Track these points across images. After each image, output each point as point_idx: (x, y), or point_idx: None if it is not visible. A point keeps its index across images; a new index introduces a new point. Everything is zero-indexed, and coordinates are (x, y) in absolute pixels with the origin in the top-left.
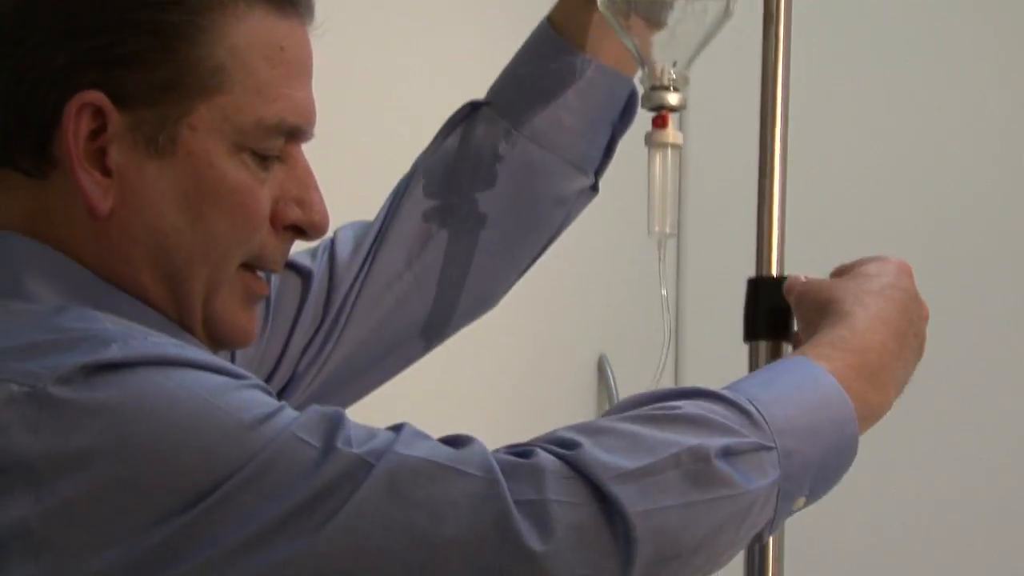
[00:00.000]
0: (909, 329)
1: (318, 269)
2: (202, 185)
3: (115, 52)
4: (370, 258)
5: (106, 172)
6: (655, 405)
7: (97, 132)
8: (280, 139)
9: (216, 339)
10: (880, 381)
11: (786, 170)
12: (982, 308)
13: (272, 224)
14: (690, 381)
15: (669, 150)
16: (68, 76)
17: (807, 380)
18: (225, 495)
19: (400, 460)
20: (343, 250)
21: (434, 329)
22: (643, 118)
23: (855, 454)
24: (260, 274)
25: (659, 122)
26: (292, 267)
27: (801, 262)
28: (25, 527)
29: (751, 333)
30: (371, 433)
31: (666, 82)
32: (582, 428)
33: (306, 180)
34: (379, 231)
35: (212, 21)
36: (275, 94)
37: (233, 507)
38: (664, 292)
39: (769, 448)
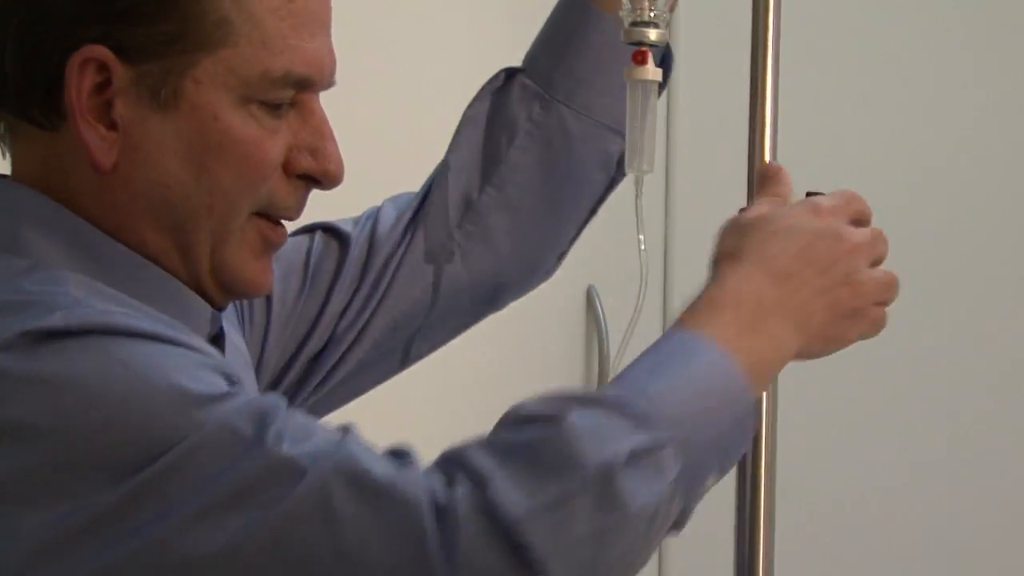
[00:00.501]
0: (804, 268)
1: (358, 234)
2: (207, 138)
3: (119, 6)
4: (412, 229)
5: (111, 126)
6: (546, 422)
7: (102, 86)
8: (289, 90)
9: (227, 289)
10: (765, 328)
11: (777, 108)
12: (967, 282)
13: (285, 172)
14: (676, 311)
15: (649, 86)
16: (72, 30)
17: (692, 357)
18: (149, 478)
19: (337, 470)
20: (386, 219)
21: (483, 298)
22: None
23: (753, 414)
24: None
25: (639, 58)
26: (333, 232)
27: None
28: None
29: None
30: (308, 431)
31: (647, 17)
32: (492, 450)
33: (321, 129)
34: (421, 201)
35: None
36: (282, 46)
37: (155, 492)
38: (640, 236)
39: (665, 446)
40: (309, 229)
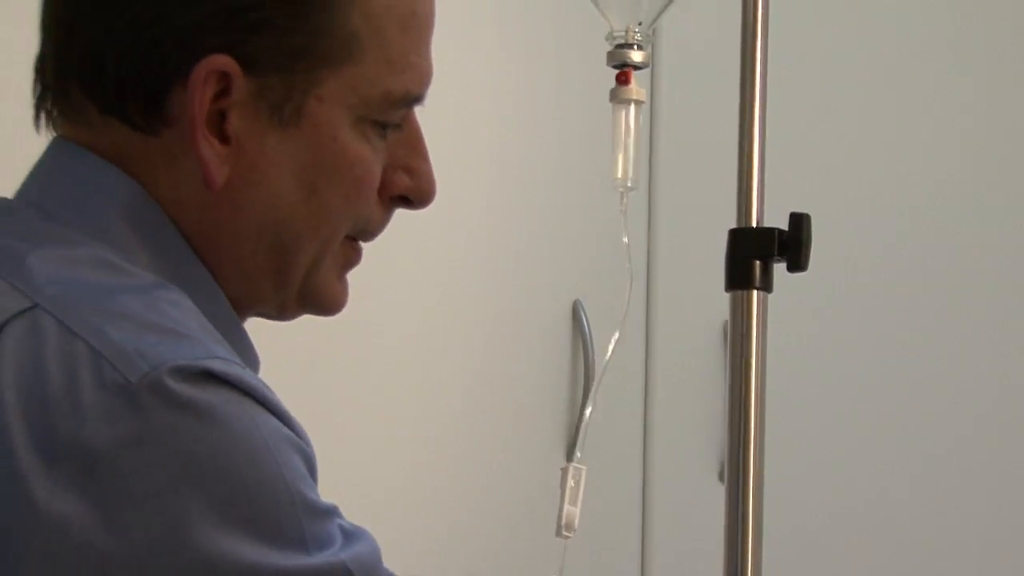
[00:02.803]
0: None
1: None
2: (322, 158)
3: (248, 16)
4: None
5: (224, 139)
6: None
7: (217, 95)
8: (404, 110)
9: (309, 307)
10: None
11: (765, 126)
12: (950, 281)
13: (379, 194)
14: (660, 325)
15: (632, 106)
16: (195, 36)
17: None
18: (253, 567)
19: None
20: None
21: None
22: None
23: None
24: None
25: (623, 78)
26: None
27: (777, 214)
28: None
29: (733, 283)
30: None
31: (630, 40)
32: None
33: (418, 147)
34: None
35: None
36: (403, 64)
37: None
38: (626, 240)
39: None
40: None
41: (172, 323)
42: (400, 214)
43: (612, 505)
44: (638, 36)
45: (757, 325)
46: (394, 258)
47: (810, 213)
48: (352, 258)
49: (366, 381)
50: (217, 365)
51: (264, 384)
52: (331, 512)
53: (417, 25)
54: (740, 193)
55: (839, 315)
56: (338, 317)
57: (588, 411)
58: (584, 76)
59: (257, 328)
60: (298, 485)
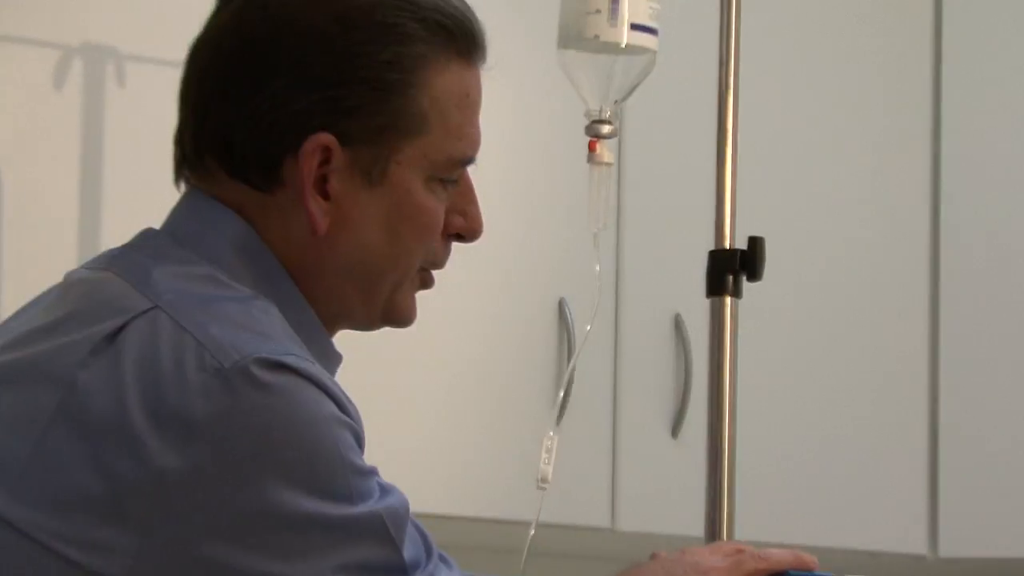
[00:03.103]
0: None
1: None
2: (402, 210)
3: (344, 103)
4: None
5: (325, 196)
6: None
7: (321, 163)
8: (461, 169)
9: (389, 322)
10: None
11: (736, 161)
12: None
13: (441, 233)
14: (626, 317)
15: (603, 167)
16: (304, 119)
17: None
18: (309, 514)
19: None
20: None
21: None
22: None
23: None
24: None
25: (592, 146)
26: None
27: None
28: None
29: (711, 291)
30: (416, 545)
31: (602, 117)
32: None
33: (470, 196)
34: None
35: (419, 77)
36: (461, 133)
37: (303, 529)
38: (597, 268)
39: None
40: None
41: (260, 326)
42: None
43: (587, 459)
44: (608, 114)
45: (731, 319)
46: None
47: (767, 232)
48: (427, 282)
49: (380, 367)
50: (291, 359)
51: (328, 377)
52: (372, 473)
53: (470, 104)
54: (717, 222)
55: (788, 313)
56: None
57: (561, 392)
58: (567, 109)
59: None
60: (347, 453)
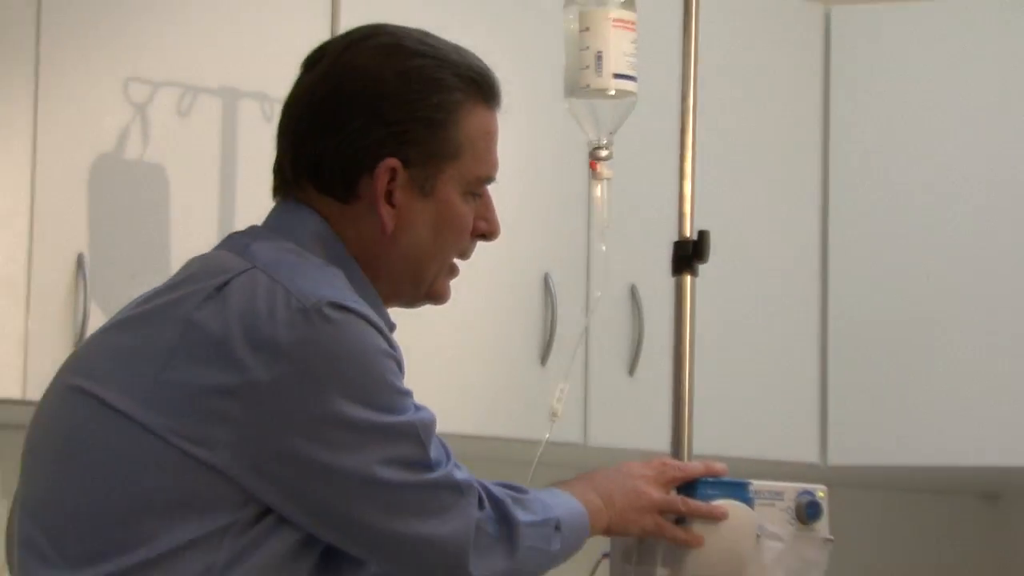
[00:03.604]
0: (609, 488)
1: None
2: (443, 216)
3: (406, 136)
4: None
5: (392, 205)
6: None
7: (389, 181)
8: (484, 185)
9: (428, 299)
10: (594, 504)
11: (695, 166)
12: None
13: (470, 234)
14: (595, 287)
15: (603, 183)
16: (376, 148)
17: (571, 501)
18: (361, 419)
19: (452, 488)
20: None
21: None
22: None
23: (588, 529)
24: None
25: (593, 166)
26: None
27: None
28: (255, 385)
29: (675, 271)
30: (446, 456)
31: (600, 145)
32: (511, 497)
33: (490, 205)
34: None
35: (459, 117)
36: (484, 158)
37: (356, 430)
38: (603, 247)
39: (560, 533)
40: None
41: (331, 282)
42: None
43: (573, 395)
44: (604, 142)
45: (690, 292)
46: None
47: (715, 227)
48: (455, 271)
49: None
50: (351, 303)
51: (378, 317)
52: (408, 394)
53: (491, 137)
54: (680, 221)
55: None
56: None
57: (577, 348)
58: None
59: None
60: (391, 376)
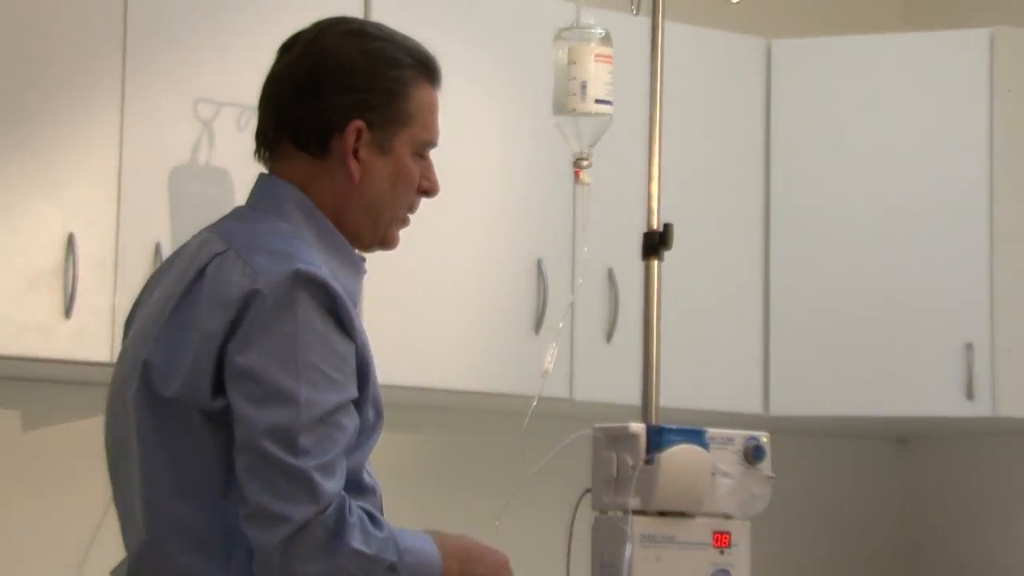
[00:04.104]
0: (475, 562)
1: None
2: (399, 171)
3: (370, 102)
4: None
5: (358, 160)
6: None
7: (356, 139)
8: (429, 148)
9: (382, 246)
10: (451, 566)
11: (661, 171)
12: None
13: (416, 190)
14: (579, 268)
15: (585, 187)
16: (346, 112)
17: (429, 551)
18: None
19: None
20: None
21: None
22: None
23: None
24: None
25: (577, 173)
26: None
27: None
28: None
29: (645, 256)
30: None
31: (582, 155)
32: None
33: (431, 167)
34: None
35: (411, 90)
36: (430, 127)
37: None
38: (586, 250)
39: (395, 572)
40: None
41: (290, 249)
42: (439, 223)
43: (560, 358)
44: (585, 153)
45: (657, 273)
46: (423, 233)
47: (677, 219)
48: (407, 221)
49: (415, 289)
50: (302, 267)
51: (328, 274)
52: (333, 379)
53: (435, 109)
54: (648, 214)
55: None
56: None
57: (561, 322)
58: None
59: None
60: (312, 357)
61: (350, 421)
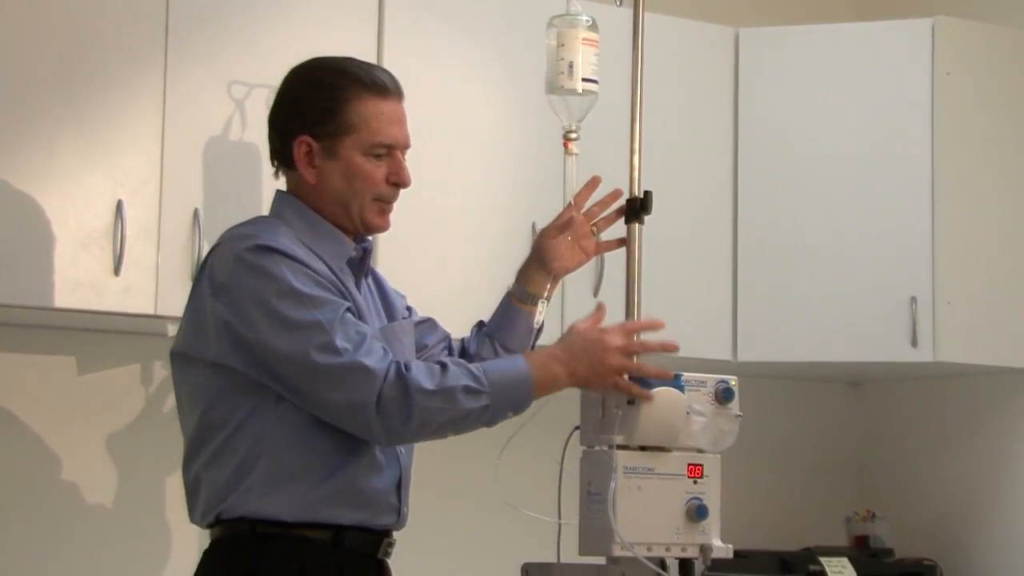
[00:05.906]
0: (576, 359)
1: (442, 336)
2: (350, 170)
3: (315, 120)
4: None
5: (313, 167)
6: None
7: (307, 153)
8: (383, 149)
9: (366, 230)
10: (550, 370)
11: (641, 144)
12: None
13: (386, 181)
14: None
15: (573, 157)
16: (295, 131)
17: (516, 368)
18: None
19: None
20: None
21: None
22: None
23: (531, 397)
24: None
25: (566, 145)
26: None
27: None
28: (221, 317)
29: (627, 220)
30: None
31: (571, 129)
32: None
33: (400, 164)
34: (464, 346)
35: (353, 105)
36: (379, 131)
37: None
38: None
39: (483, 391)
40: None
41: (262, 232)
42: (444, 190)
43: (552, 310)
44: (574, 128)
45: (638, 235)
46: (431, 199)
47: (662, 192)
48: (384, 208)
49: (428, 260)
50: (263, 241)
51: (288, 246)
52: (319, 298)
53: (384, 117)
54: (630, 183)
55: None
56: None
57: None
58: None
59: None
60: (296, 285)
61: (351, 315)
